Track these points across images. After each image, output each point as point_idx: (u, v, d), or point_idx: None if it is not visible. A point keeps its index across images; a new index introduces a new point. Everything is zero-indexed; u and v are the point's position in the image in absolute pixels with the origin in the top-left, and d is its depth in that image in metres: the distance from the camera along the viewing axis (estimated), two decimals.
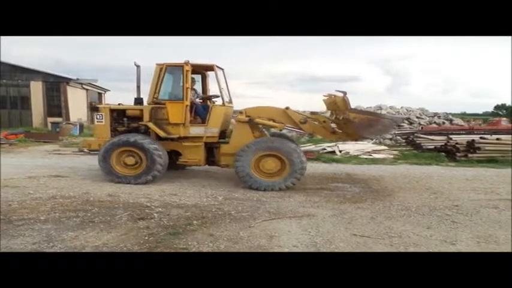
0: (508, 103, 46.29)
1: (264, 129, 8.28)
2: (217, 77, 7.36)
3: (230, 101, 7.85)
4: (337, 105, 7.12)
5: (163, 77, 7.15)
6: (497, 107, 46.15)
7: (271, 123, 7.51)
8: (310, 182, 7.72)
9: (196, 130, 7.32)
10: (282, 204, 5.89)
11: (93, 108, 8.08)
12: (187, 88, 7.02)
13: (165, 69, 7.15)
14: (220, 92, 7.42)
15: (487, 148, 11.63)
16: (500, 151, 11.64)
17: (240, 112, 7.50)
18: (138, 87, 7.90)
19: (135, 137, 7.08)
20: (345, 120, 6.96)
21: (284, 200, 6.21)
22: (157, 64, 7.22)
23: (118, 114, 7.68)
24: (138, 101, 7.74)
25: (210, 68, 7.60)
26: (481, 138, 12.42)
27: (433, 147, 13.02)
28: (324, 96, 8.29)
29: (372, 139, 14.57)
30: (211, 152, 7.60)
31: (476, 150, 11.54)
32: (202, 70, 8.12)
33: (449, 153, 12.04)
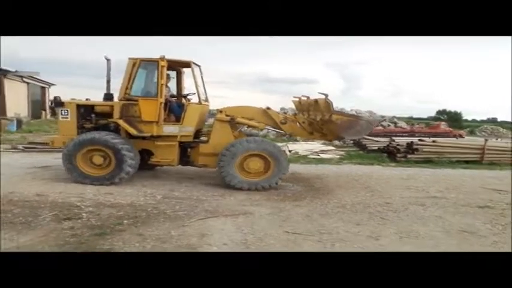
0: (449, 108, 49.89)
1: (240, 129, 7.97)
2: (194, 74, 7.08)
3: (206, 100, 7.51)
4: (320, 107, 7.14)
5: (136, 72, 6.77)
6: (438, 112, 49.58)
7: (252, 123, 7.46)
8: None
9: (170, 129, 6.99)
10: (222, 203, 5.85)
11: (57, 103, 7.23)
12: (162, 85, 6.69)
13: (139, 64, 6.77)
14: (197, 89, 7.13)
15: (424, 150, 12.41)
16: (435, 152, 12.47)
17: (220, 111, 7.35)
18: (108, 81, 7.47)
19: (102, 135, 6.68)
20: (324, 121, 7.06)
21: (225, 198, 6.18)
22: (130, 58, 6.83)
23: (85, 110, 7.21)
24: (108, 96, 7.34)
25: (187, 64, 7.26)
26: (419, 140, 13.24)
27: (376, 148, 13.67)
28: (295, 98, 8.45)
29: (346, 141, 14.61)
30: (184, 151, 7.36)
31: (415, 152, 12.28)
32: (178, 66, 7.73)
33: (390, 154, 12.70)
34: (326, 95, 6.91)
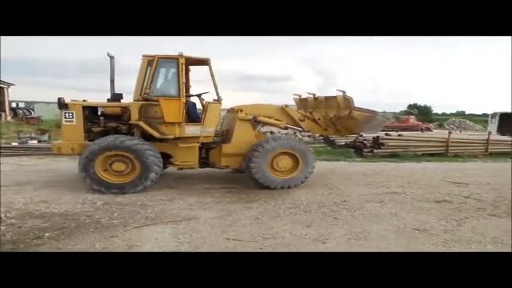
0: (419, 103, 51.11)
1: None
2: (212, 72, 6.64)
3: (220, 99, 6.98)
4: (337, 103, 7.23)
5: (154, 71, 6.30)
6: (409, 106, 50.69)
7: (273, 121, 7.39)
8: (215, 181, 7.37)
9: (192, 130, 6.58)
10: (167, 208, 5.42)
11: (60, 106, 6.46)
12: (183, 83, 6.33)
13: (157, 62, 6.29)
14: (215, 87, 6.70)
15: (390, 144, 12.39)
16: (401, 146, 12.48)
17: (240, 110, 7.10)
18: (112, 81, 6.98)
19: (126, 139, 6.18)
20: (340, 117, 7.22)
21: (173, 202, 5.75)
22: (145, 56, 6.37)
23: (91, 113, 6.70)
24: (116, 97, 6.84)
25: (204, 61, 6.68)
26: (386, 134, 13.22)
27: (344, 143, 13.54)
28: (295, 95, 8.54)
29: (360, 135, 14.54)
30: (204, 153, 6.99)
31: (381, 146, 12.24)
32: (194, 64, 7.08)
33: (357, 149, 12.61)
34: (344, 92, 7.06)
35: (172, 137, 6.42)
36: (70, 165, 8.58)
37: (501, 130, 18.25)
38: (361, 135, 13.23)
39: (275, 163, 6.82)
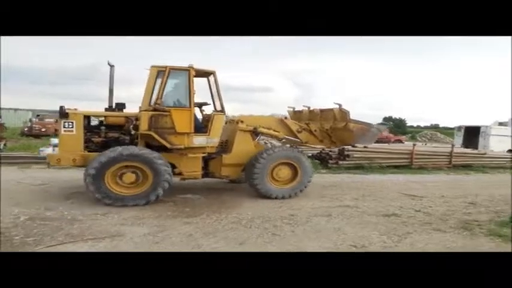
0: (394, 115, 52.25)
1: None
2: (217, 83, 6.81)
3: (223, 110, 6.98)
4: (334, 115, 7.49)
5: (166, 81, 6.27)
6: (385, 119, 51.81)
7: (272, 132, 7.51)
8: (177, 192, 6.99)
9: (199, 140, 6.59)
10: (97, 223, 5.02)
11: (62, 115, 6.19)
12: (193, 94, 6.41)
13: (168, 73, 6.29)
14: (219, 98, 6.86)
15: (355, 156, 12.32)
16: (366, 158, 12.43)
17: (241, 121, 7.22)
18: (111, 90, 6.78)
19: (138, 149, 6.08)
20: (336, 129, 7.49)
21: (106, 217, 5.35)
22: (154, 66, 6.34)
23: (92, 122, 6.65)
24: (119, 106, 6.76)
25: (210, 73, 6.82)
26: (352, 146, 13.15)
27: (310, 155, 13.39)
28: (289, 107, 8.95)
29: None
30: (203, 163, 6.89)
31: (346, 158, 12.15)
32: (201, 75, 7.03)
33: (323, 161, 12.48)
34: (340, 105, 7.31)
35: (183, 147, 6.40)
36: (9, 176, 8.05)
37: (465, 143, 18.61)
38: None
39: (275, 173, 6.95)
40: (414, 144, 14.15)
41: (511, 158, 15.14)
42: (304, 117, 8.32)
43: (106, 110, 6.77)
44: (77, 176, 7.44)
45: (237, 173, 7.15)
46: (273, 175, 6.94)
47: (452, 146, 14.72)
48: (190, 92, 6.38)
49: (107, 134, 6.57)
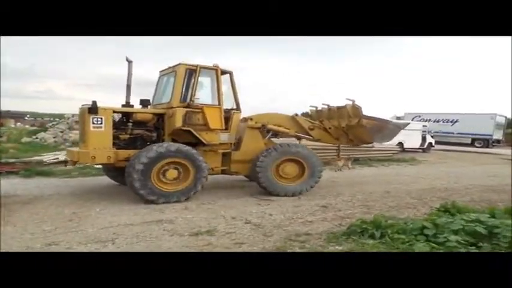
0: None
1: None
2: (233, 83, 7.09)
3: (239, 108, 7.32)
4: (347, 112, 7.42)
5: (197, 79, 6.61)
6: (303, 115, 54.01)
7: (282, 129, 7.61)
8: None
9: (224, 137, 6.96)
10: None
11: (92, 110, 6.04)
12: (222, 92, 6.77)
13: (199, 71, 6.62)
14: (236, 97, 7.16)
15: None
16: None
17: (250, 118, 7.44)
18: (129, 86, 6.83)
19: (180, 146, 6.33)
20: (351, 126, 7.40)
21: None
22: (183, 64, 6.64)
23: (119, 119, 6.70)
24: (144, 103, 6.97)
25: (228, 73, 7.12)
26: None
27: None
28: (311, 107, 8.90)
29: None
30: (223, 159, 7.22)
31: None
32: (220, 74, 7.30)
33: None
34: (353, 101, 7.24)
35: (218, 143, 6.80)
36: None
37: None
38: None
39: (281, 170, 7.06)
40: (299, 139, 14.60)
41: (398, 151, 16.85)
42: (324, 115, 8.31)
43: (123, 106, 6.82)
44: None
45: (246, 169, 7.26)
46: (279, 172, 7.06)
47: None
48: (219, 90, 6.76)
49: (133, 130, 6.66)
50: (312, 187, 7.35)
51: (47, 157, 11.17)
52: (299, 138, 8.11)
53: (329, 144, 9.14)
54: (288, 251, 4.05)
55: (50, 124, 18.98)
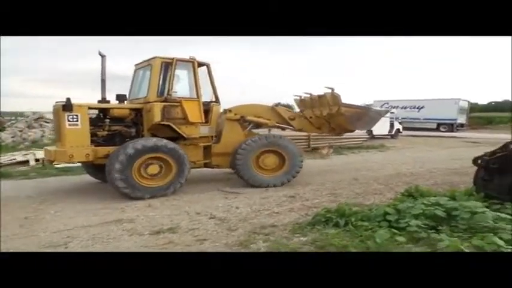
0: (283, 102, 55.56)
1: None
2: (211, 75, 6.98)
3: (218, 100, 7.26)
4: (327, 101, 7.34)
5: (174, 72, 6.49)
6: (275, 105, 54.93)
7: (262, 120, 7.52)
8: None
9: (204, 130, 6.90)
10: None
11: (65, 108, 5.82)
12: (199, 85, 6.69)
13: (175, 64, 6.48)
14: (214, 90, 7.07)
15: None
16: None
17: (229, 110, 7.34)
18: (104, 81, 6.62)
19: (164, 141, 6.22)
20: (332, 115, 7.32)
21: None
22: (158, 57, 6.48)
23: (96, 115, 6.55)
24: (120, 98, 6.79)
25: (204, 65, 7.00)
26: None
27: None
28: (295, 96, 8.72)
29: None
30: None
31: None
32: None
33: None
34: (332, 89, 7.18)
35: (198, 136, 6.73)
36: None
37: None
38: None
39: (261, 162, 7.00)
40: (283, 130, 14.90)
41: (367, 138, 17.31)
42: (307, 104, 8.14)
43: (99, 102, 6.62)
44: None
45: (227, 162, 7.17)
46: (259, 164, 6.98)
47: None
48: (196, 83, 6.65)
49: (111, 127, 6.46)
50: (293, 177, 7.28)
51: (4, 158, 10.58)
52: (282, 128, 8.13)
53: (303, 134, 9.31)
54: (252, 245, 3.97)
55: (9, 123, 17.98)
